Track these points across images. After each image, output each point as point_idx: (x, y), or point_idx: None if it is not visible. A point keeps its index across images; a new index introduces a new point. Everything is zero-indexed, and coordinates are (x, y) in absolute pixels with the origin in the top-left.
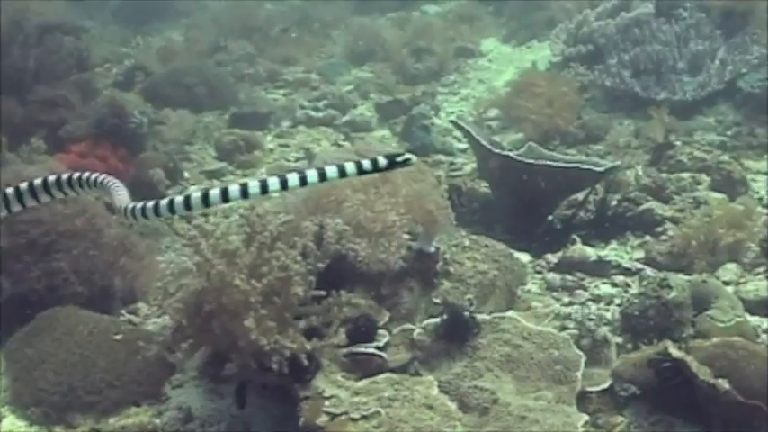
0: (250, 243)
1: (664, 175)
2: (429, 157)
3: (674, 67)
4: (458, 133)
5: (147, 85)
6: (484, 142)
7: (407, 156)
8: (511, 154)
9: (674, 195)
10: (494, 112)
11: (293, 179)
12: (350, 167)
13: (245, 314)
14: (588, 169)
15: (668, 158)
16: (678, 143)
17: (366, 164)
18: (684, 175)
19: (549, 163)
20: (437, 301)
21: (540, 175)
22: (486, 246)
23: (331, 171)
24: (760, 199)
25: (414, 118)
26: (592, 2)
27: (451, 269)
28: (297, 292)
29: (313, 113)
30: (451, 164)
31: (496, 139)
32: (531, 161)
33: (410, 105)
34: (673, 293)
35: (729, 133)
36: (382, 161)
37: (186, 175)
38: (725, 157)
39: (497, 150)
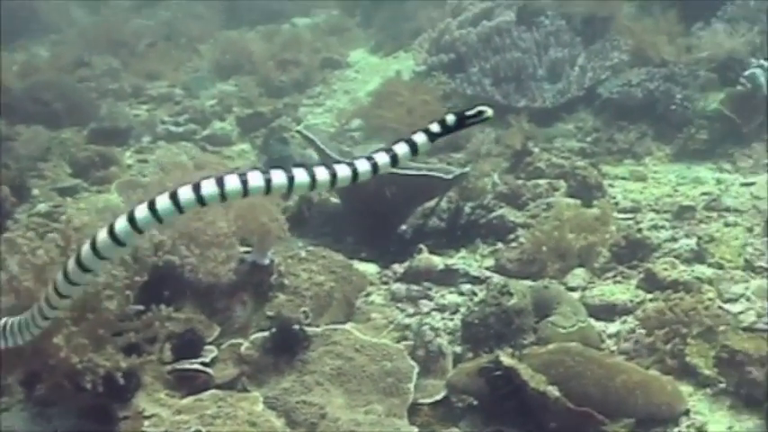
0: (62, 256)
1: (520, 181)
2: None
3: (533, 74)
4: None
5: (2, 101)
6: (329, 152)
7: (480, 108)
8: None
9: (529, 202)
10: (356, 123)
11: (364, 166)
12: (420, 138)
13: (55, 332)
14: (437, 177)
15: (526, 165)
16: (536, 150)
17: (435, 127)
18: (542, 181)
19: (396, 171)
20: (270, 314)
21: (387, 184)
22: (324, 257)
23: (401, 149)
24: (616, 204)
25: (273, 131)
26: (455, 10)
27: (286, 281)
28: (110, 307)
29: (173, 128)
30: None
31: (353, 148)
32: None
33: (271, 118)
34: (513, 300)
35: (589, 139)
36: (451, 119)
37: (35, 192)
38: (581, 163)
39: (340, 158)
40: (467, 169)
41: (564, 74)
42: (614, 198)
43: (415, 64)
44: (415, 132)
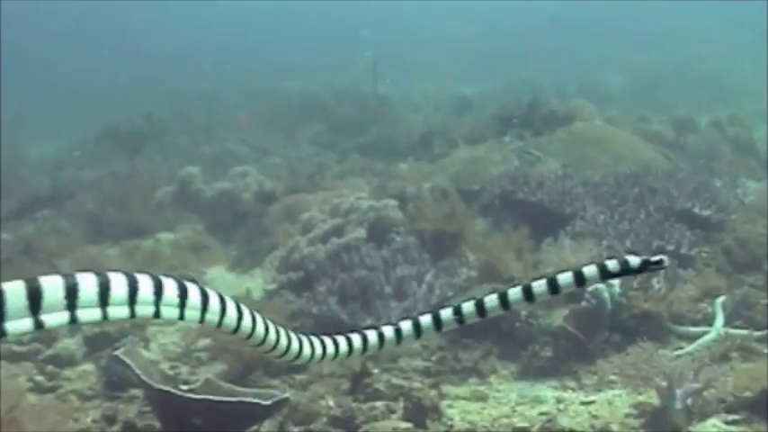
0: None
1: (354, 404)
2: (126, 392)
3: (380, 292)
4: (164, 365)
5: None
6: (143, 377)
7: (662, 257)
8: (172, 389)
9: (362, 425)
10: (203, 343)
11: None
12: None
13: None
14: (254, 402)
15: (365, 387)
16: (376, 370)
17: (612, 264)
18: (379, 403)
19: (210, 398)
20: None
21: (195, 413)
22: None
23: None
24: (451, 426)
25: (115, 351)
26: (305, 226)
27: None
28: None
29: (16, 348)
30: None
31: (197, 368)
32: (191, 396)
33: (118, 337)
34: None
35: (434, 358)
36: (635, 261)
37: None
38: (417, 384)
39: (158, 386)
40: (286, 395)
41: (411, 291)
42: (450, 420)
43: (264, 281)
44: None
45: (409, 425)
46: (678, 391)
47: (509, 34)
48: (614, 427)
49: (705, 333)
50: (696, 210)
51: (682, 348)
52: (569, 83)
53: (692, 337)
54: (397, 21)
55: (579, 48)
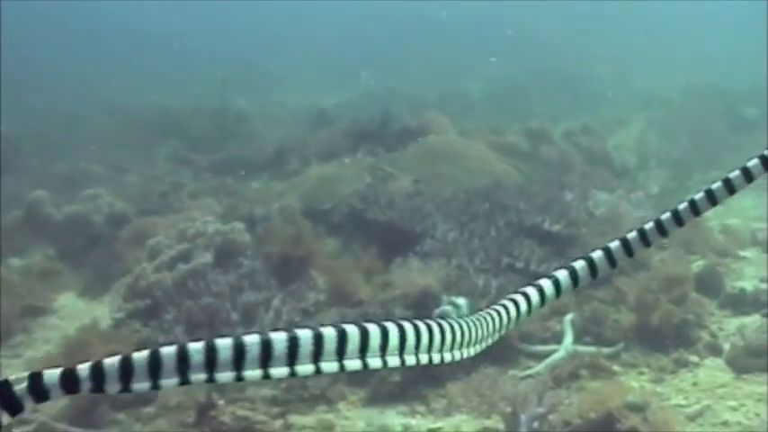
0: None
1: None
2: None
3: (227, 319)
4: None
5: None
6: None
7: None
8: None
9: None
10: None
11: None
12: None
13: None
14: None
15: (211, 419)
16: (222, 402)
17: None
18: None
19: None
20: None
21: None
22: None
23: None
24: None
25: None
26: (152, 252)
27: None
28: None
29: None
30: None
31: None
32: None
33: None
34: None
35: (282, 386)
36: None
37: None
38: (261, 416)
39: None
40: None
41: (258, 318)
42: None
43: (110, 310)
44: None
45: None
46: (523, 417)
47: (371, 39)
48: None
49: (554, 351)
50: (546, 225)
51: (531, 368)
52: (430, 90)
53: (542, 356)
54: (261, 26)
55: (441, 53)
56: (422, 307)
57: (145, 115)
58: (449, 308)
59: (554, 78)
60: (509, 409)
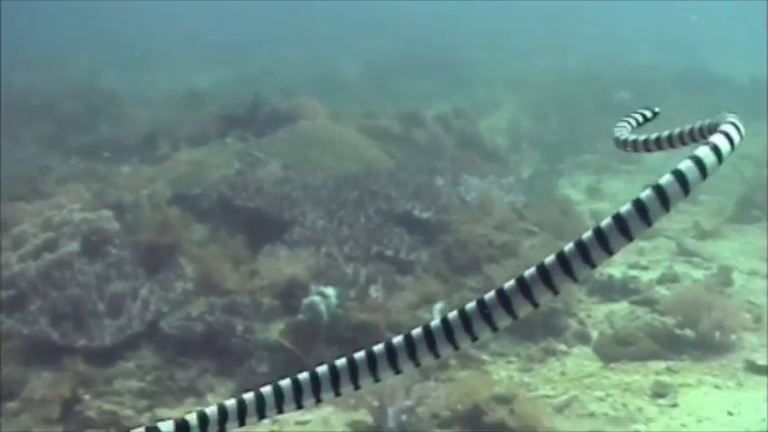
0: None
1: None
2: None
3: (94, 310)
4: None
5: None
6: None
7: None
8: None
9: None
10: None
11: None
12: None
13: None
14: None
15: (76, 414)
16: (87, 397)
17: None
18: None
19: None
20: None
21: None
22: None
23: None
24: None
25: None
26: (16, 242)
27: None
28: None
29: None
30: None
31: None
32: None
33: None
34: None
35: (149, 378)
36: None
37: None
38: (129, 411)
39: None
40: None
41: (125, 308)
42: None
43: None
44: None
45: None
46: (390, 410)
47: (246, 18)
48: None
49: None
50: (416, 212)
51: None
52: (306, 72)
53: None
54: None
55: (319, 36)
56: (290, 296)
57: (10, 95)
58: (317, 298)
59: (429, 61)
60: (376, 403)
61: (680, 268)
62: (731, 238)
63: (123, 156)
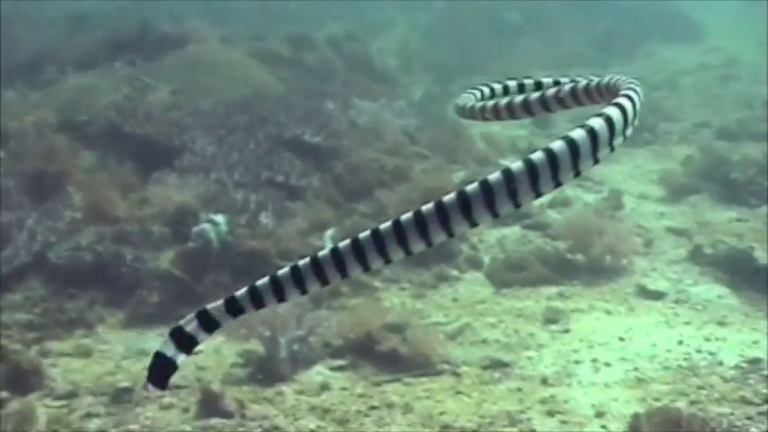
0: None
1: None
2: None
3: None
4: None
5: None
6: None
7: None
8: None
9: None
10: None
11: None
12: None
13: None
14: None
15: None
16: None
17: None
18: None
19: None
20: None
21: None
22: None
23: None
24: (52, 389)
25: None
26: None
27: None
28: None
29: None
30: None
31: None
32: None
33: None
34: None
35: (38, 310)
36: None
37: None
38: (17, 346)
39: None
40: None
41: (12, 239)
42: (53, 381)
43: None
44: None
45: (5, 393)
46: (282, 340)
47: None
48: (220, 376)
49: None
50: (307, 137)
51: None
52: None
53: None
54: None
55: None
56: (180, 224)
57: None
58: (207, 225)
59: None
60: (268, 333)
61: (571, 192)
62: (622, 161)
63: (6, 80)
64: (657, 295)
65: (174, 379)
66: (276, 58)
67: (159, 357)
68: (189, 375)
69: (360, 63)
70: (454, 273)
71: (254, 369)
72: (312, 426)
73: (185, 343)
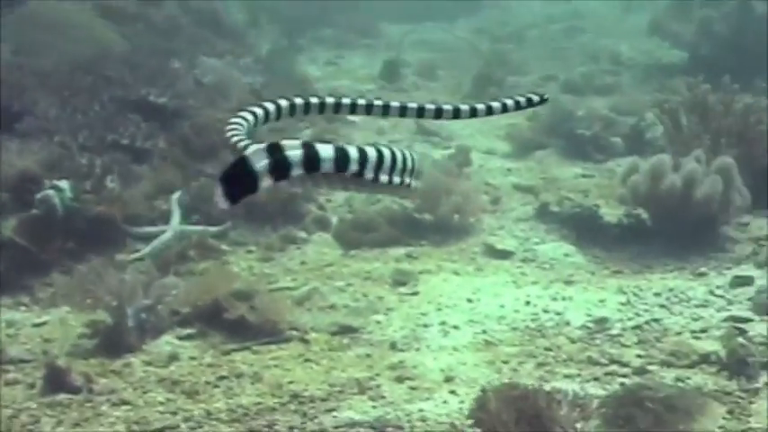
0: None
1: None
2: None
3: None
4: None
5: None
6: None
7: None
8: None
9: None
10: None
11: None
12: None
13: None
14: None
15: None
16: None
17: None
18: None
19: None
20: None
21: None
22: None
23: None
24: None
25: None
26: None
27: None
28: None
29: None
30: None
31: None
32: None
33: None
34: None
35: None
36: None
37: None
38: None
39: None
40: None
41: None
42: None
43: None
44: None
45: None
46: (129, 309)
47: None
48: (66, 349)
49: (162, 232)
50: (152, 97)
51: (139, 251)
52: None
53: (150, 238)
54: None
55: None
56: (22, 191)
57: None
58: (51, 191)
59: None
60: (114, 303)
61: (420, 148)
62: None
63: None
64: (505, 254)
65: (18, 353)
66: (121, 14)
67: (244, 164)
68: (34, 348)
69: (206, 18)
70: (302, 234)
71: (102, 340)
72: (161, 398)
73: (281, 166)
